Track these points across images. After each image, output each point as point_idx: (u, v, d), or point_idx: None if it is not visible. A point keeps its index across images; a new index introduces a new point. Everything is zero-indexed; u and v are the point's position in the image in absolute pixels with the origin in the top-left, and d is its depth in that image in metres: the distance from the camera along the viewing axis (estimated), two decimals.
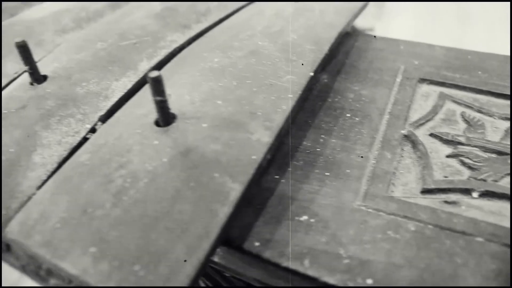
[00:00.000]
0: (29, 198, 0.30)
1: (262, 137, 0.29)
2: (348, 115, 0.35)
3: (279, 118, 0.30)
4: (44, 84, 0.34)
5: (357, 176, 0.31)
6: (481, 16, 0.74)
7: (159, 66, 0.37)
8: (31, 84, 0.34)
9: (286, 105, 0.31)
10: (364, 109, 0.36)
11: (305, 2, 0.41)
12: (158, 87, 0.27)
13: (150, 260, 0.23)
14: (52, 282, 0.56)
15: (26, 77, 0.36)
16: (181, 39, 0.39)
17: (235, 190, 0.26)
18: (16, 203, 0.29)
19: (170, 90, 0.32)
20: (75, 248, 0.24)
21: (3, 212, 0.29)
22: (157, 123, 0.30)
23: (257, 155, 0.28)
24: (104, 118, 0.33)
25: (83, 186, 0.27)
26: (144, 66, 0.36)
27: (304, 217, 0.29)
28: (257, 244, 0.27)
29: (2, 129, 0.32)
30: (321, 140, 0.34)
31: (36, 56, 0.40)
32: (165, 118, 0.29)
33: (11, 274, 0.59)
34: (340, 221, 0.28)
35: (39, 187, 0.30)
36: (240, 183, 0.26)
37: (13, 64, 0.39)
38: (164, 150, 0.28)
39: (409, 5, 0.81)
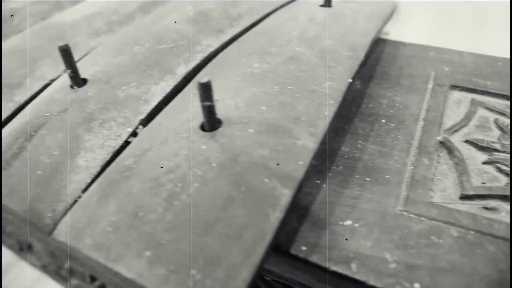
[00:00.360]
0: (75, 201, 0.30)
1: (307, 143, 0.29)
2: (383, 121, 0.36)
3: (322, 124, 0.30)
4: (85, 88, 0.34)
5: (396, 182, 0.31)
6: (498, 18, 0.74)
7: (196, 70, 0.37)
8: (72, 87, 0.35)
9: (328, 111, 0.31)
10: (399, 115, 0.36)
11: (337, 8, 0.41)
12: (207, 92, 0.27)
13: (206, 264, 0.24)
14: (74, 282, 0.56)
15: (64, 80, 0.36)
16: (216, 44, 0.39)
17: (285, 195, 0.26)
18: (62, 206, 0.30)
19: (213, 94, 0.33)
20: (129, 252, 0.25)
21: (49, 214, 0.29)
22: (202, 128, 0.30)
23: (304, 161, 0.28)
24: (145, 122, 0.33)
25: (132, 190, 0.28)
26: (181, 70, 0.36)
27: (348, 222, 0.29)
28: (304, 248, 0.28)
29: (46, 131, 0.32)
30: (359, 145, 0.34)
31: None
32: (212, 123, 0.29)
33: (31, 274, 0.60)
34: (384, 226, 0.29)
35: (84, 190, 0.30)
36: (290, 188, 0.27)
37: (48, 67, 0.39)
38: (213, 155, 0.28)
39: (423, 7, 0.81)
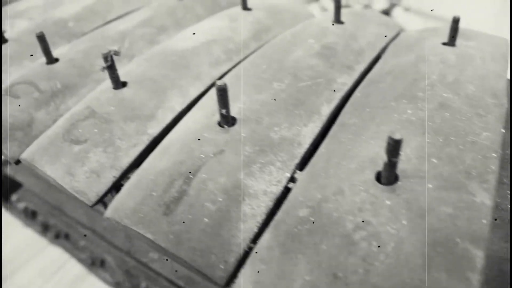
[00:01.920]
0: (245, 251, 0.29)
1: (485, 200, 0.29)
2: None
3: (492, 179, 0.30)
4: (236, 127, 0.34)
5: None
6: None
7: (337, 110, 0.37)
8: (221, 126, 0.34)
9: (494, 165, 0.31)
10: None
11: (462, 48, 0.41)
12: (397, 149, 0.27)
13: None
14: None
15: (206, 116, 0.35)
16: (349, 81, 0.39)
17: (479, 256, 0.26)
18: (233, 257, 0.29)
19: (375, 142, 0.32)
20: None
21: (221, 266, 0.29)
22: (378, 179, 0.30)
23: (486, 219, 0.28)
24: (300, 167, 0.33)
25: (320, 246, 0.27)
26: (325, 110, 0.36)
27: None
28: None
29: (206, 175, 0.31)
30: (508, 196, 0.34)
31: (197, 91, 0.39)
32: (392, 176, 0.29)
33: None
34: None
35: (253, 240, 0.30)
36: (481, 249, 0.27)
37: (177, 98, 0.38)
38: (400, 211, 0.28)
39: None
